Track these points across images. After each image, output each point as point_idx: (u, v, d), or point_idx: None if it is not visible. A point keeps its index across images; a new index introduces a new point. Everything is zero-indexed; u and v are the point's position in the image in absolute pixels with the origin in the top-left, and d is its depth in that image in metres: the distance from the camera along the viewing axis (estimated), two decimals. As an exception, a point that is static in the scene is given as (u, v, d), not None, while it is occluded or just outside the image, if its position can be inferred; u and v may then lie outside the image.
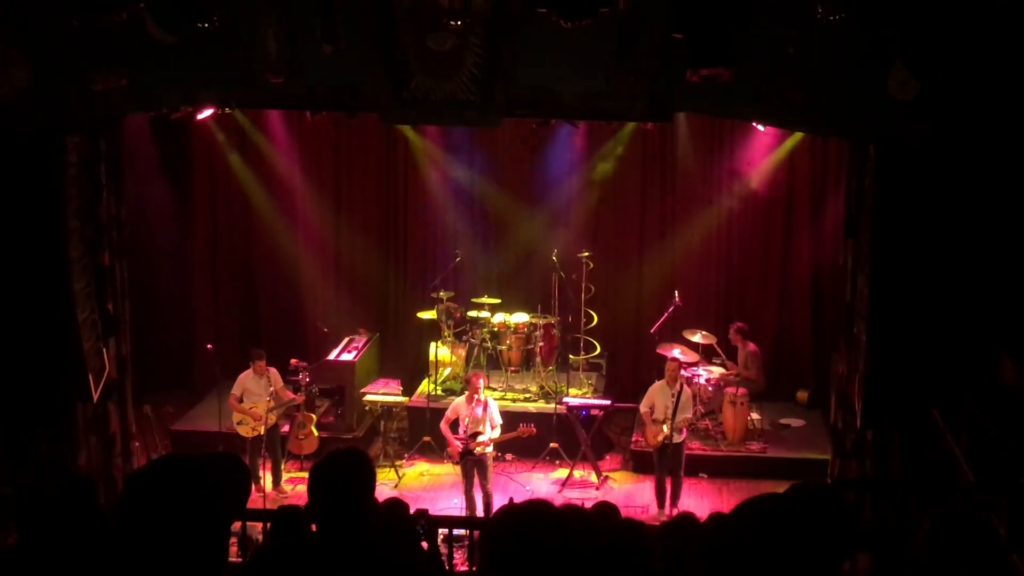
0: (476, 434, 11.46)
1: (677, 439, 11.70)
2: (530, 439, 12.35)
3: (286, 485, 12.66)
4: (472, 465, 11.52)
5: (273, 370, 12.52)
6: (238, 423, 12.30)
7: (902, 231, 9.30)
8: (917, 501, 8.85)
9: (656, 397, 11.83)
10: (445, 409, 12.13)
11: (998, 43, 8.48)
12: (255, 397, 12.27)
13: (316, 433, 13.11)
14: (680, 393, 11.66)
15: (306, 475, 12.73)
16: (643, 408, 11.97)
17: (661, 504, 11.82)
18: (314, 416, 13.26)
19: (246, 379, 12.35)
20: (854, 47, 8.65)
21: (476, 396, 11.58)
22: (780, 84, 8.81)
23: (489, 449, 11.58)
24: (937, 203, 9.14)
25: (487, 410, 11.55)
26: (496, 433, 11.56)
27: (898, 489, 9.44)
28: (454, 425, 11.65)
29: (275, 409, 12.24)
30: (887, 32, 8.40)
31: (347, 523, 3.68)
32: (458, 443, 11.48)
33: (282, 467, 12.67)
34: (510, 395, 13.89)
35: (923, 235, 9.23)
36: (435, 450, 13.30)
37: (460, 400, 11.81)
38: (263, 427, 12.16)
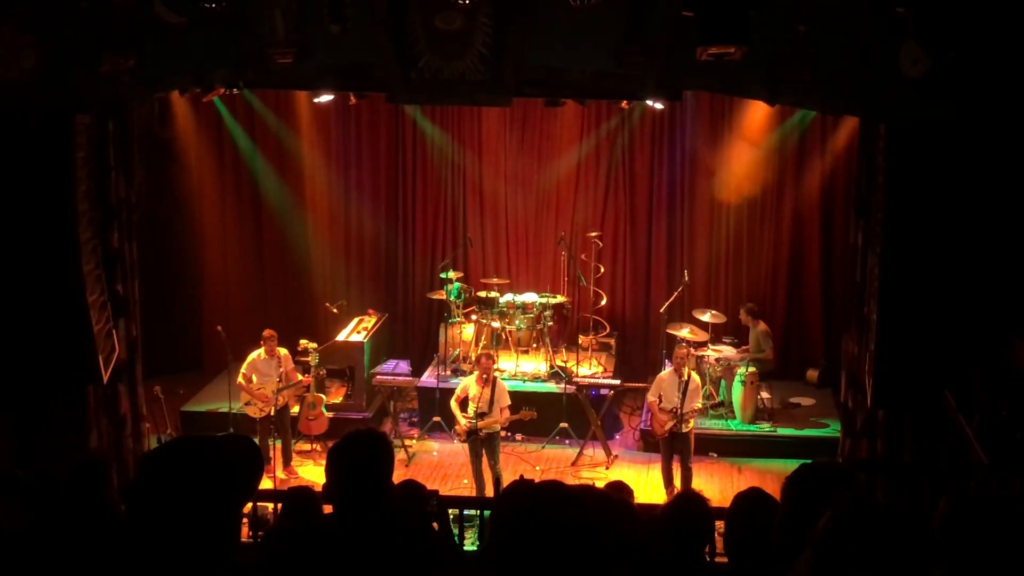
0: (483, 414, 11.45)
1: (685, 428, 11.63)
2: (540, 418, 12.38)
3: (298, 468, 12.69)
4: (480, 444, 11.52)
5: (284, 351, 12.52)
6: (246, 404, 12.31)
7: (913, 210, 9.26)
8: (929, 482, 8.85)
9: (664, 386, 11.75)
10: (454, 389, 12.14)
11: (1009, 20, 8.42)
12: (265, 378, 12.27)
13: (326, 414, 13.12)
14: (688, 382, 11.60)
15: (313, 454, 12.84)
16: (651, 397, 11.92)
17: (669, 487, 11.78)
18: (324, 397, 13.28)
19: (257, 360, 12.34)
20: (865, 25, 8.60)
21: (486, 376, 11.58)
22: (791, 62, 8.77)
23: (497, 427, 11.56)
24: (949, 182, 9.09)
25: (496, 391, 11.54)
26: (502, 416, 11.53)
27: (910, 470, 9.43)
28: (464, 404, 11.65)
29: (282, 390, 12.24)
30: (898, 10, 8.35)
31: (365, 504, 3.68)
32: (465, 422, 11.48)
33: (292, 447, 12.69)
34: (519, 375, 13.88)
35: (934, 214, 9.18)
36: (445, 430, 13.34)
37: (470, 379, 11.81)
38: (271, 408, 12.17)
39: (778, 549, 3.24)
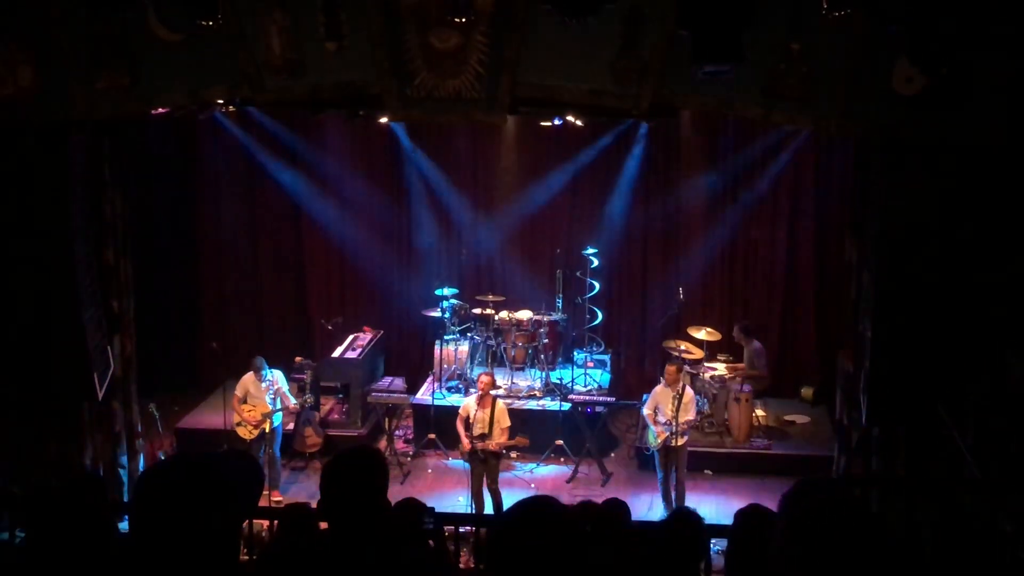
0: (483, 435, 11.44)
1: (679, 442, 11.61)
2: (534, 436, 12.37)
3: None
4: (480, 465, 11.51)
5: (278, 372, 12.46)
6: (237, 424, 12.27)
7: (907, 228, 9.28)
8: (923, 498, 8.85)
9: (659, 400, 11.76)
10: (449, 407, 12.13)
11: (1002, 37, 8.47)
12: (256, 400, 12.21)
13: (321, 431, 13.09)
14: (682, 396, 11.59)
15: (309, 471, 12.79)
16: (647, 411, 11.92)
17: (668, 505, 11.77)
18: (318, 414, 13.24)
19: (248, 381, 12.30)
20: (858, 43, 8.64)
21: (485, 397, 11.57)
22: (785, 80, 8.81)
23: (498, 449, 11.52)
24: (942, 199, 9.12)
25: (495, 413, 11.52)
26: (502, 437, 11.51)
27: (904, 486, 9.43)
28: (468, 423, 11.63)
29: (270, 415, 12.13)
30: (892, 28, 8.39)
31: (359, 522, 3.67)
32: (467, 442, 11.48)
33: (280, 471, 12.54)
34: (514, 392, 13.86)
35: (928, 232, 9.21)
36: (440, 447, 13.31)
37: (471, 399, 11.78)
38: (259, 431, 12.08)
39: (775, 565, 3.24)
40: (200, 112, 11.83)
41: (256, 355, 12.55)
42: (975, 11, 8.36)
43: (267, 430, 12.10)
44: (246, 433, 12.17)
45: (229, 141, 15.15)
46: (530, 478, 12.90)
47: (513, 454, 13.16)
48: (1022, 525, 7.42)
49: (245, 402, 12.23)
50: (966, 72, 8.47)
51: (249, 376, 12.31)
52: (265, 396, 12.17)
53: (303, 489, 12.43)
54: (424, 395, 13.97)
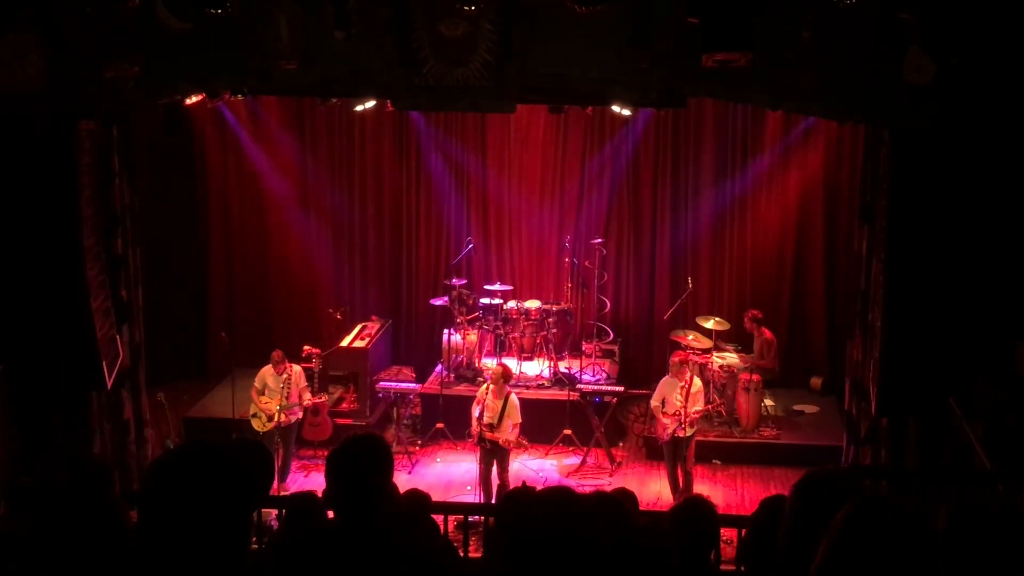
0: (491, 425, 11.44)
1: (688, 432, 11.60)
2: (543, 425, 12.38)
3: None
4: (489, 454, 11.51)
5: (298, 369, 12.43)
6: (253, 415, 12.24)
7: (918, 217, 9.25)
8: (933, 489, 8.82)
9: (666, 391, 11.74)
10: (457, 396, 12.16)
11: (1014, 25, 8.42)
12: (273, 393, 12.18)
13: (330, 419, 13.09)
14: (689, 386, 11.56)
15: (315, 458, 12.79)
16: (654, 402, 11.90)
17: (676, 494, 11.76)
18: (327, 402, 13.24)
19: (266, 374, 12.27)
20: (870, 31, 8.59)
21: (500, 387, 11.56)
22: (795, 69, 8.76)
23: (506, 441, 11.53)
24: (953, 189, 9.08)
25: (507, 406, 11.51)
26: (512, 432, 11.52)
27: (914, 477, 9.41)
28: (483, 409, 11.65)
29: (285, 408, 12.12)
30: (903, 16, 8.34)
31: (364, 509, 3.67)
32: (476, 428, 11.50)
33: (290, 464, 12.54)
34: (523, 382, 13.85)
35: (939, 221, 9.17)
36: (448, 436, 13.30)
37: (488, 386, 11.77)
38: (273, 424, 12.07)
39: (786, 555, 3.23)
40: (208, 101, 11.80)
41: (276, 349, 12.49)
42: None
43: (281, 422, 12.07)
44: (260, 425, 12.15)
45: (237, 130, 15.13)
46: (538, 467, 12.89)
47: (523, 440, 13.14)
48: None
49: (263, 394, 12.20)
50: (977, 61, 8.42)
51: (267, 368, 12.26)
52: (282, 390, 12.13)
53: (310, 481, 12.42)
54: (432, 384, 13.97)
